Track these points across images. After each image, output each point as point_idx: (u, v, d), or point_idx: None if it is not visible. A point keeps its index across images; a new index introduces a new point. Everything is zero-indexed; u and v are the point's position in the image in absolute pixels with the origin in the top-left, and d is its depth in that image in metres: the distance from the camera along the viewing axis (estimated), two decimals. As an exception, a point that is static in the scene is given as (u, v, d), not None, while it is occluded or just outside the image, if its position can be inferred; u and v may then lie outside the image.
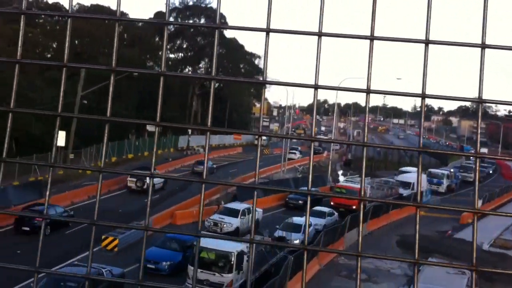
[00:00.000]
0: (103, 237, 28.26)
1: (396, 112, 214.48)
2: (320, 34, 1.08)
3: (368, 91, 1.20)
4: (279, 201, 44.62)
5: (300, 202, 42.32)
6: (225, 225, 33.84)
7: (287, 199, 43.91)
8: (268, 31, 1.10)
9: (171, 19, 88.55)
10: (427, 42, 1.11)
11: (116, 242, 28.28)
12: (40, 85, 50.43)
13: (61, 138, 43.92)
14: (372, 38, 1.11)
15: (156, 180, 37.48)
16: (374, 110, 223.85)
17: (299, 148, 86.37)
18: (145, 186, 41.88)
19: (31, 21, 65.47)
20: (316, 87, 1.11)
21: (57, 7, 75.42)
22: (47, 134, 43.21)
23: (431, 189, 56.48)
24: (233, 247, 24.18)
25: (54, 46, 64.77)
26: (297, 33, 1.12)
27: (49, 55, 63.76)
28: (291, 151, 77.93)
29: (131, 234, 29.55)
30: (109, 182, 42.45)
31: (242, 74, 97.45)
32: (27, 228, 29.32)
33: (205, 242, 24.17)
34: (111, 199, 39.75)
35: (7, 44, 49.28)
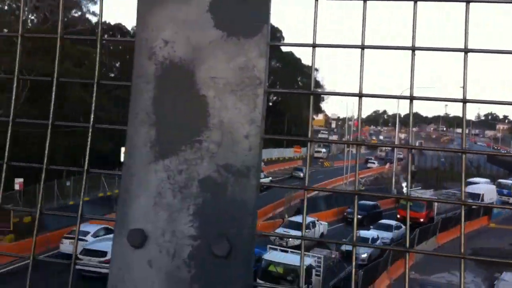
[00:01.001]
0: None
1: (460, 122, 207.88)
2: (363, 47, 1.16)
3: (411, 98, 1.26)
4: (338, 215, 44.09)
5: (359, 216, 41.58)
6: (290, 239, 33.72)
7: (345, 213, 43.36)
8: (314, 45, 1.16)
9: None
10: (466, 51, 1.16)
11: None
12: (107, 104, 52.28)
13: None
14: (413, 48, 1.16)
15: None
16: (436, 119, 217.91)
17: (373, 158, 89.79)
18: None
19: (95, 42, 68.16)
20: (360, 95, 1.19)
21: (120, 27, 78.26)
22: (115, 150, 44.66)
23: (502, 200, 54.16)
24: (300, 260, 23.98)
25: (117, 65, 67.04)
26: (340, 46, 1.22)
27: (112, 75, 66.06)
28: (370, 161, 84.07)
29: None
30: None
31: (300, 87, 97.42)
32: None
33: (273, 256, 24.26)
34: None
35: (73, 65, 51.43)
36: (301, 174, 62.35)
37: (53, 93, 1.32)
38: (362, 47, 1.17)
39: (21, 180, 35.71)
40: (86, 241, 29.24)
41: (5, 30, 41.61)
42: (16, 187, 35.64)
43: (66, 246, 29.63)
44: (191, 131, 1.03)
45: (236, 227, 1.00)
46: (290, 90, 1.36)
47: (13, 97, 1.29)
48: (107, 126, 1.39)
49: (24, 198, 36.48)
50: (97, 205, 36.76)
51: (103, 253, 25.92)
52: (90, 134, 1.33)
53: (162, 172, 1.02)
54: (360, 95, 1.20)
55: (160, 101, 1.04)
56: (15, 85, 1.36)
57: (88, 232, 30.64)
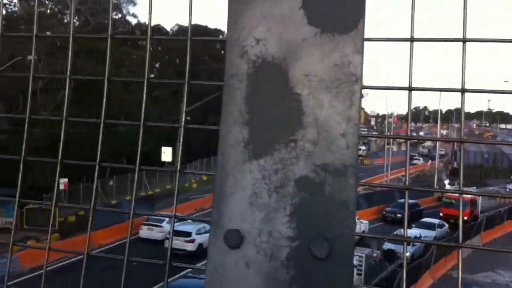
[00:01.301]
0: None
1: (503, 117, 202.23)
2: (412, 40, 1.17)
3: (463, 91, 1.26)
4: (376, 214, 43.62)
5: (398, 215, 41.11)
6: None
7: (384, 212, 42.87)
8: (412, 40, 1.17)
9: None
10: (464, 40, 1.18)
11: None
12: (148, 104, 53.18)
13: (167, 154, 45.92)
14: (464, 40, 1.17)
15: None
16: (479, 115, 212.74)
17: (416, 155, 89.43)
18: None
19: (135, 43, 69.31)
20: (410, 89, 1.19)
21: (159, 29, 79.35)
22: (154, 151, 45.39)
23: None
24: None
25: (157, 66, 67.98)
26: (390, 40, 1.23)
27: (152, 75, 67.10)
28: (415, 158, 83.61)
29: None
30: (197, 202, 43.19)
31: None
32: None
33: None
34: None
35: (114, 66, 52.44)
36: None
37: (105, 92, 1.36)
38: (411, 40, 1.16)
39: (66, 180, 36.67)
40: (162, 226, 33.65)
41: (48, 33, 42.70)
42: (61, 186, 36.64)
43: (144, 231, 34.06)
44: (285, 130, 1.02)
45: (335, 227, 0.98)
46: (387, 87, 1.36)
47: (66, 97, 1.33)
48: (160, 124, 1.41)
49: (69, 198, 37.43)
50: (139, 204, 37.35)
51: (188, 234, 31.11)
52: (141, 132, 1.38)
53: (257, 171, 1.02)
54: (410, 89, 1.20)
55: (253, 100, 1.04)
56: (67, 84, 1.40)
57: (163, 220, 34.12)
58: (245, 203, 1.02)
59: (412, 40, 1.16)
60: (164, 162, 44.96)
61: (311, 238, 0.98)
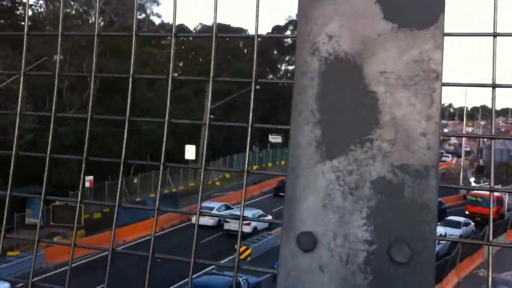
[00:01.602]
0: (235, 246, 29.16)
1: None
2: (495, 35, 1.17)
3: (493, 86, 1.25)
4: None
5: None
6: None
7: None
8: (495, 35, 1.16)
9: (288, 32, 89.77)
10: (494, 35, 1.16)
11: (249, 251, 29.07)
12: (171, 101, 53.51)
13: (191, 152, 46.19)
14: (494, 35, 1.15)
15: None
16: (505, 112, 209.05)
17: (444, 152, 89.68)
18: None
19: (159, 43, 69.79)
20: (493, 86, 1.20)
21: (182, 28, 79.75)
22: (177, 149, 45.69)
23: None
24: None
25: (180, 64, 68.38)
26: (472, 35, 1.20)
27: (176, 75, 67.53)
28: (443, 155, 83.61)
29: (264, 243, 30.32)
30: (219, 200, 42.99)
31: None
32: None
33: None
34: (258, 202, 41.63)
35: (138, 65, 52.90)
36: None
37: (130, 90, 1.36)
38: (495, 34, 1.15)
39: (91, 177, 37.15)
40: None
41: (73, 32, 43.21)
42: (87, 184, 37.14)
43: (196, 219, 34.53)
44: (360, 129, 0.98)
45: (416, 231, 0.94)
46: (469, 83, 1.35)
47: (91, 94, 1.34)
48: (185, 121, 1.42)
49: (94, 195, 37.93)
50: (162, 201, 37.51)
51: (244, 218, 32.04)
52: (166, 129, 1.37)
53: (330, 172, 0.99)
54: (494, 86, 1.19)
55: (325, 98, 1.00)
56: (92, 82, 1.40)
57: (213, 208, 37.41)
58: (318, 205, 0.98)
59: (495, 35, 1.14)
60: (187, 160, 45.26)
61: (390, 242, 0.94)
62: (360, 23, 0.99)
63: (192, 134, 51.86)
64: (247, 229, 34.23)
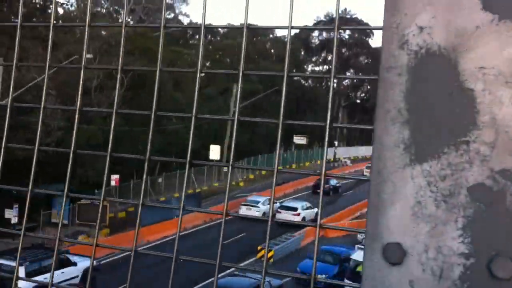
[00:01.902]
0: (259, 247, 29.16)
1: None
2: None
3: None
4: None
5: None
6: None
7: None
8: None
9: (316, 32, 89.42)
10: None
11: (271, 253, 29.03)
12: (198, 101, 53.83)
13: (216, 152, 46.40)
14: None
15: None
16: None
17: None
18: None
19: (187, 43, 70.22)
20: None
21: (210, 28, 79.83)
22: (202, 148, 45.91)
23: None
24: None
25: (208, 64, 68.67)
26: None
27: (202, 74, 67.79)
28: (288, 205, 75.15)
29: (286, 245, 30.28)
30: (243, 200, 43.33)
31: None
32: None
33: (362, 256, 24.00)
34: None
35: (166, 65, 53.33)
36: None
37: (156, 83, 1.32)
38: None
39: (117, 176, 37.58)
40: (258, 206, 40.32)
41: (103, 33, 43.89)
42: (112, 183, 37.56)
43: (243, 211, 39.69)
44: (455, 130, 0.89)
45: None
46: None
47: (117, 88, 1.33)
48: (212, 116, 1.41)
49: (119, 194, 38.37)
50: (186, 201, 37.84)
51: (295, 208, 38.88)
52: (192, 126, 1.32)
53: (421, 177, 0.91)
54: None
55: (415, 96, 0.92)
56: (119, 75, 1.38)
57: (258, 201, 40.94)
58: (407, 214, 0.90)
59: None
60: (212, 160, 45.50)
61: (490, 256, 0.86)
62: (455, 14, 0.91)
63: (217, 135, 52.05)
64: (297, 218, 37.16)
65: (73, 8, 53.21)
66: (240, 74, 1.32)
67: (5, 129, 1.42)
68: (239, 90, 1.32)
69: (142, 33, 50.83)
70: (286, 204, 40.38)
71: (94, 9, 62.75)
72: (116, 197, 37.75)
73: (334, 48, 1.26)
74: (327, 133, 1.21)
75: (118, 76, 1.35)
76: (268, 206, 39.44)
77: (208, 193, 45.42)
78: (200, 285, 25.65)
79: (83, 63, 1.38)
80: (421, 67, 0.92)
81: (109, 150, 1.31)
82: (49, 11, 45.22)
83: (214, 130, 51.45)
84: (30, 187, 1.40)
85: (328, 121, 1.22)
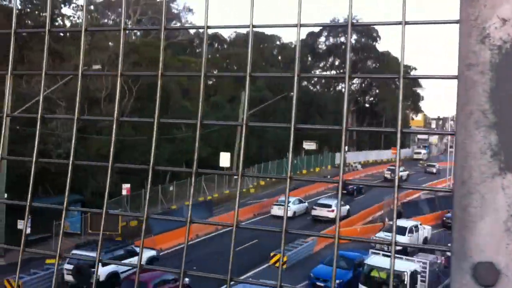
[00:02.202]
0: (271, 254, 29.05)
1: None
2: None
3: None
4: (436, 220, 42.46)
5: (449, 221, 39.77)
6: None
7: (444, 218, 41.61)
8: None
9: (323, 37, 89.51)
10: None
11: (285, 258, 28.92)
12: (206, 109, 54.02)
13: (226, 159, 46.45)
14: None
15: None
16: None
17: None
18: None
19: (193, 51, 70.48)
20: None
21: (217, 36, 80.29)
22: (212, 156, 45.97)
23: None
24: (406, 266, 23.42)
25: (215, 72, 68.96)
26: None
27: (210, 82, 68.11)
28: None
29: (299, 251, 30.18)
30: (255, 207, 44.17)
31: (397, 87, 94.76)
32: None
33: (376, 261, 23.89)
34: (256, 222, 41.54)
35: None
36: (392, 175, 59.52)
37: (158, 88, 1.29)
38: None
39: (128, 185, 37.72)
40: (289, 206, 41.86)
41: (111, 44, 44.21)
42: (124, 192, 37.68)
43: (275, 210, 42.42)
44: None
45: None
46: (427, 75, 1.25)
47: (118, 94, 1.32)
48: (222, 124, 1.41)
49: (131, 203, 38.50)
50: (198, 209, 37.93)
51: (329, 205, 42.35)
52: (198, 135, 1.26)
53: None
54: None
55: (501, 96, 0.81)
56: (119, 80, 1.36)
57: (289, 201, 41.26)
58: (500, 229, 0.80)
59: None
60: (222, 168, 45.52)
61: None
62: None
63: (227, 142, 52.11)
64: (331, 215, 41.57)
65: (80, 20, 53.64)
66: (247, 77, 1.24)
67: (1, 140, 1.40)
68: (247, 93, 1.25)
69: (149, 43, 51.14)
70: (321, 201, 44.36)
71: (101, 20, 63.23)
72: (127, 206, 37.87)
73: (348, 45, 1.21)
74: (343, 137, 1.16)
75: (118, 81, 1.34)
76: (299, 205, 44.40)
77: (219, 201, 45.42)
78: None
79: (80, 71, 1.41)
80: (506, 64, 0.82)
81: (110, 160, 1.27)
82: (56, 23, 45.61)
83: (224, 137, 51.53)
84: (28, 202, 1.37)
85: (344, 125, 1.15)
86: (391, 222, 35.40)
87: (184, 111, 48.40)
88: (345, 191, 49.53)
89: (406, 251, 31.87)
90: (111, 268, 24.41)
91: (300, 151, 68.59)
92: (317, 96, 74.32)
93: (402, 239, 33.04)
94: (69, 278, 24.13)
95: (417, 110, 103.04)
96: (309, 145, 63.91)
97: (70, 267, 24.05)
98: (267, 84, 65.69)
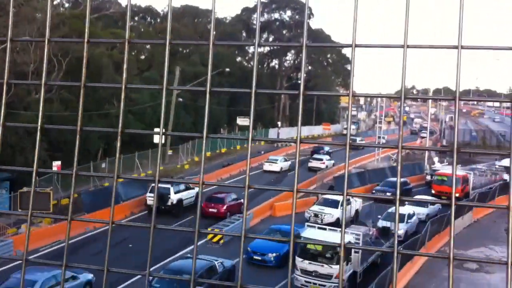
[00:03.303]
0: (209, 229, 29.05)
1: (490, 94, 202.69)
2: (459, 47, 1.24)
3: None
4: (367, 193, 43.95)
5: (388, 194, 41.22)
6: (325, 216, 33.84)
7: (373, 191, 43.14)
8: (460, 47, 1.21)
9: (256, 14, 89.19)
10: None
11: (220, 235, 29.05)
12: (139, 84, 52.80)
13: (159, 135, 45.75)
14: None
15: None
16: (467, 93, 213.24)
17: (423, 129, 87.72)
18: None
19: (125, 25, 68.43)
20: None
21: (150, 9, 78.40)
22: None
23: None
24: (339, 238, 24.12)
25: (147, 47, 67.42)
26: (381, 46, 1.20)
27: (143, 57, 66.60)
28: (423, 132, 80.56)
29: (235, 226, 30.41)
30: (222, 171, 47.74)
31: (330, 65, 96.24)
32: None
33: (311, 233, 24.45)
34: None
35: (106, 48, 51.93)
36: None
37: (85, 53, 1.27)
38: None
39: (59, 163, 36.58)
40: (277, 163, 53.07)
41: (38, 15, 42.26)
42: (54, 169, 36.53)
43: (267, 166, 52.45)
44: None
45: None
46: (328, 92, 1.30)
47: (44, 65, 1.29)
48: (187, 88, 1.41)
49: (62, 180, 37.39)
50: (132, 185, 37.26)
51: (320, 159, 55.93)
52: (123, 93, 1.29)
53: None
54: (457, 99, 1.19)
55: None
56: (46, 49, 1.33)
57: (276, 159, 54.32)
58: None
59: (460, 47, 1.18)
60: (155, 144, 44.91)
61: None
62: None
63: (160, 118, 51.33)
64: (323, 166, 53.25)
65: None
66: (253, 94, 1.26)
67: None
68: (210, 61, 1.25)
69: (77, 16, 49.24)
70: (315, 156, 56.23)
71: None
72: (58, 183, 36.78)
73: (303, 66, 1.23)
74: (252, 98, 1.15)
75: (46, 50, 1.31)
76: (284, 163, 53.03)
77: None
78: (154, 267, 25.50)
79: (43, 80, 1.37)
80: None
81: (78, 125, 1.26)
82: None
83: (157, 113, 50.72)
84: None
85: (253, 88, 1.18)
86: (325, 196, 36.22)
87: (115, 82, 47.23)
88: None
89: (338, 224, 32.87)
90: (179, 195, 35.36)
91: (234, 127, 68.75)
92: (250, 72, 74.40)
93: (335, 211, 34.02)
94: (151, 202, 34.53)
95: (347, 86, 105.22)
96: (243, 121, 64.11)
97: (152, 194, 34.42)
98: (201, 60, 65.02)
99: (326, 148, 62.72)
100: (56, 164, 36.47)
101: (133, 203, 35.45)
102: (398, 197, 1.00)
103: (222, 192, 36.33)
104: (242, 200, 35.33)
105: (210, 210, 34.10)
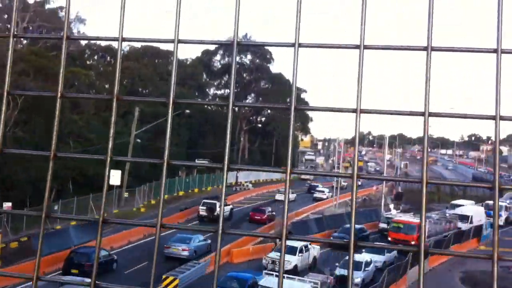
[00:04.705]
0: (163, 276, 28.26)
1: (444, 142, 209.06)
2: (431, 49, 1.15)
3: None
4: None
5: (344, 240, 41.16)
6: (284, 264, 33.49)
7: (331, 238, 43.23)
8: (431, 49, 1.14)
9: (218, 56, 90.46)
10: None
11: (176, 281, 28.08)
12: (97, 125, 52.11)
13: (116, 176, 44.88)
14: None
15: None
16: (421, 140, 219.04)
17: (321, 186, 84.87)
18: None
19: (85, 63, 68.09)
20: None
21: (110, 48, 78.33)
22: (101, 174, 44.30)
23: (490, 222, 54.23)
24: (299, 286, 23.81)
25: (107, 86, 67.05)
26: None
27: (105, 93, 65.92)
28: (319, 190, 75.19)
29: (191, 273, 29.68)
30: (179, 215, 47.86)
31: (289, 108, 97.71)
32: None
33: (269, 282, 24.06)
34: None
35: (64, 86, 51.20)
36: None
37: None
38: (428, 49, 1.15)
39: (9, 204, 35.34)
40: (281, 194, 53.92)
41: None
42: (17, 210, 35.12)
43: (278, 196, 62.41)
44: None
45: None
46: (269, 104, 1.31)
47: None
48: (148, 100, 1.37)
49: (11, 222, 36.03)
50: (87, 229, 36.08)
51: (323, 191, 69.79)
52: (58, 103, 1.25)
53: None
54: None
55: None
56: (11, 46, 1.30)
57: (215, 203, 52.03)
58: None
59: (431, 49, 1.16)
60: (112, 186, 43.98)
61: None
62: None
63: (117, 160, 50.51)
64: (324, 196, 68.13)
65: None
66: (113, 102, 1.19)
67: None
68: (173, 82, 1.23)
69: (36, 52, 48.68)
70: (318, 189, 67.81)
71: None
72: (7, 225, 35.39)
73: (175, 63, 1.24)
74: (229, 114, 1.16)
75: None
76: (292, 195, 57.62)
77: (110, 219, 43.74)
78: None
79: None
80: None
81: (52, 150, 1.21)
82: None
83: (114, 154, 49.96)
84: None
85: (231, 104, 1.13)
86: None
87: (74, 125, 46.51)
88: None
89: (296, 271, 32.60)
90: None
91: (192, 170, 68.21)
92: (211, 114, 74.55)
93: (293, 258, 33.76)
94: (203, 213, 46.89)
95: (306, 131, 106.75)
96: (201, 163, 63.77)
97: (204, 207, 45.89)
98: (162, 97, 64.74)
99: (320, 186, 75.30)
100: (6, 206, 35.21)
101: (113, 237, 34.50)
102: (352, 242, 0.98)
103: (263, 206, 52.44)
104: (274, 213, 50.76)
105: (256, 217, 48.98)
